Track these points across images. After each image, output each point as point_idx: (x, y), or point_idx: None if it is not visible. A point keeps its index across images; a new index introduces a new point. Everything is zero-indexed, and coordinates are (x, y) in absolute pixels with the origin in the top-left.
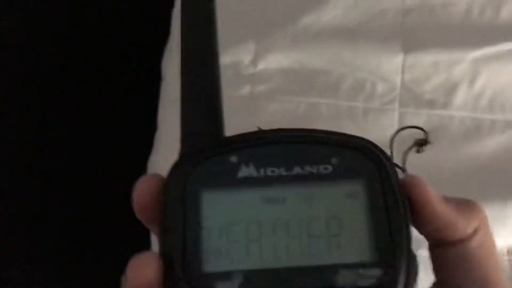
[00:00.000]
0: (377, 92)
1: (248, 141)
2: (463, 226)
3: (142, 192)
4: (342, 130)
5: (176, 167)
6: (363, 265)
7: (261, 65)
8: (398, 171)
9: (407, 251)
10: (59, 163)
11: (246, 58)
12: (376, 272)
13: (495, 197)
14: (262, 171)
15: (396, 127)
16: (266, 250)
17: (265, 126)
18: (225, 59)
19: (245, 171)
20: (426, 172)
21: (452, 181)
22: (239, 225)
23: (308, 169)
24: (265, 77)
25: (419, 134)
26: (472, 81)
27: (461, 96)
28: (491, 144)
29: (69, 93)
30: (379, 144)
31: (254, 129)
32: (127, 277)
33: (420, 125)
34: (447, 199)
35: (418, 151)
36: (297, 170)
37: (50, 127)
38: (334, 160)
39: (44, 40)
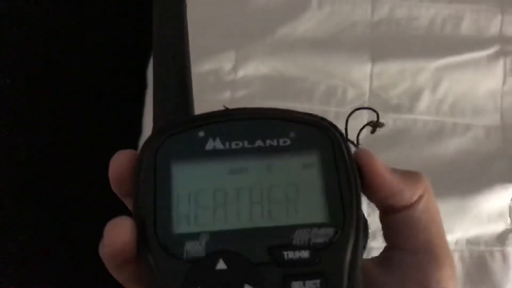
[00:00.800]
0: (348, 98)
1: (215, 117)
2: (408, 193)
3: (117, 165)
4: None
5: (148, 141)
6: (317, 225)
7: (241, 72)
8: (352, 146)
9: (357, 214)
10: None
11: (227, 65)
12: (328, 231)
13: (455, 193)
14: (227, 144)
15: (364, 131)
16: (230, 214)
17: None
18: (208, 66)
19: (212, 144)
20: None
21: None
22: (206, 192)
23: (268, 142)
24: (245, 83)
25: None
26: (435, 88)
27: (424, 102)
28: (452, 145)
29: (54, 98)
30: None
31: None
32: (104, 240)
33: (387, 128)
34: (394, 170)
35: (372, 132)
36: (258, 143)
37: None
38: (292, 134)
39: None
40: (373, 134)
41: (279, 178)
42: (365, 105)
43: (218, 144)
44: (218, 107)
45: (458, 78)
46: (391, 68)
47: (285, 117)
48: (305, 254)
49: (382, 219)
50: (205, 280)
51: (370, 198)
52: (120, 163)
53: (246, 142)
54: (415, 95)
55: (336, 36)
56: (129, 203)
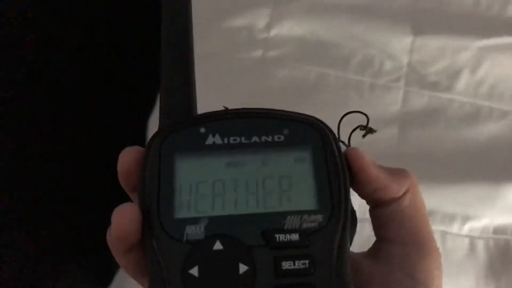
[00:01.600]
0: (384, 69)
1: (215, 116)
2: (394, 188)
3: (125, 161)
4: (349, 103)
5: (154, 137)
6: (307, 212)
7: (274, 31)
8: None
9: (345, 204)
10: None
11: (261, 22)
12: (318, 217)
13: (486, 179)
14: (226, 140)
15: (400, 104)
16: (227, 202)
17: (275, 91)
18: (241, 21)
19: (212, 140)
20: (424, 149)
21: (448, 160)
22: (205, 183)
23: (264, 138)
24: (278, 43)
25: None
26: (475, 69)
27: (463, 82)
28: (487, 130)
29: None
30: (381, 118)
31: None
32: (111, 224)
33: (422, 105)
34: (381, 167)
35: (364, 136)
36: (255, 138)
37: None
38: (286, 131)
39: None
40: (408, 112)
41: (273, 171)
42: (402, 80)
43: (217, 139)
44: (250, 65)
45: (499, 61)
46: (432, 43)
47: (280, 116)
48: (295, 237)
49: (371, 213)
50: (203, 260)
51: (360, 193)
52: (127, 158)
53: (243, 138)
54: (454, 74)
55: (378, 4)
56: (135, 198)
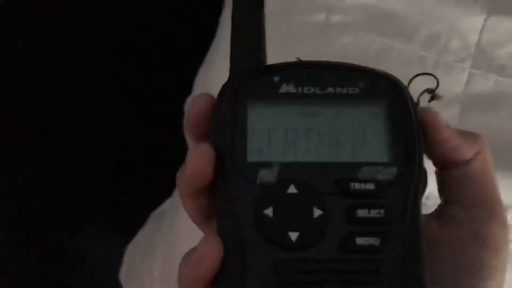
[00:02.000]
0: (451, 47)
1: (289, 65)
2: (466, 149)
3: (196, 106)
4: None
5: (228, 83)
6: (382, 164)
7: None
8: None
9: (419, 160)
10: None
11: None
12: (392, 170)
13: None
14: (300, 89)
15: (463, 85)
16: (300, 150)
17: (334, 59)
18: None
19: (285, 88)
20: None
21: (508, 149)
22: (278, 130)
23: (339, 89)
24: (342, 9)
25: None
26: None
27: None
28: None
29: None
30: (445, 97)
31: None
32: (186, 162)
33: (487, 89)
34: (454, 128)
35: (429, 101)
36: (329, 90)
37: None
38: (361, 84)
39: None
40: (471, 94)
41: (347, 123)
42: (468, 60)
43: (291, 88)
44: (310, 29)
45: None
46: (505, 25)
47: (355, 68)
48: (371, 186)
49: (439, 175)
50: (277, 201)
51: (430, 154)
52: (199, 104)
53: (318, 88)
54: None
55: None
56: (200, 142)
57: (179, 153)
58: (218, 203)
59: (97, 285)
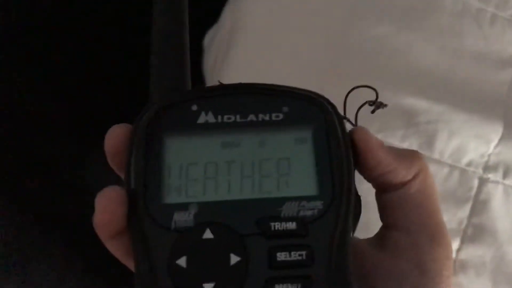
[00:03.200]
0: (510, 2)
1: (208, 92)
2: (403, 171)
3: (112, 139)
4: (464, 33)
5: (142, 114)
6: (306, 198)
7: None
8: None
9: (347, 189)
10: None
11: None
12: (317, 204)
13: None
14: (219, 118)
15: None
16: (220, 186)
17: (382, 10)
18: None
19: (204, 118)
20: None
21: None
22: (197, 165)
23: (261, 116)
24: None
25: None
26: None
27: None
28: None
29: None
30: (496, 57)
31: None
32: (95, 209)
33: None
34: (390, 148)
35: (372, 112)
36: (251, 117)
37: None
38: (285, 109)
39: None
40: None
41: (271, 152)
42: None
43: (210, 118)
44: None
45: None
46: None
47: (279, 92)
48: (292, 225)
49: (378, 198)
50: (191, 249)
51: (366, 176)
52: (115, 136)
53: (238, 116)
54: None
55: None
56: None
57: None
58: (133, 248)
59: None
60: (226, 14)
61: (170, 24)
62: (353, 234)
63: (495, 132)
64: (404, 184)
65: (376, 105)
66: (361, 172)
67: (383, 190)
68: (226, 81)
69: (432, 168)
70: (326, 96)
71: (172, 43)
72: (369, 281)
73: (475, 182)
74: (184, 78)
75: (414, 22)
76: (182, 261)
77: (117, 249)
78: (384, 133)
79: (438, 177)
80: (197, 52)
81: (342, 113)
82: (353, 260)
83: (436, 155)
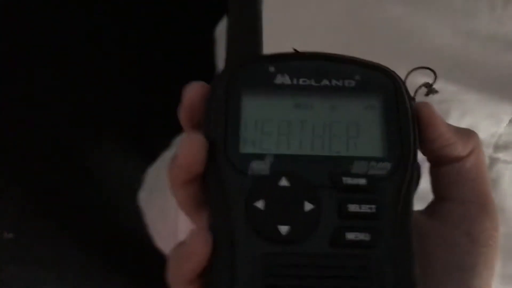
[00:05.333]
0: None
1: (285, 56)
2: (460, 146)
3: (190, 96)
4: (478, 15)
5: (221, 73)
6: (375, 159)
7: None
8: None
9: (414, 154)
10: None
11: None
12: (386, 165)
13: None
14: (295, 80)
15: None
16: (293, 142)
17: None
18: None
19: (280, 79)
20: None
21: None
22: (272, 121)
23: (334, 82)
24: None
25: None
26: None
27: None
28: None
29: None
30: (510, 39)
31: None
32: (178, 152)
33: None
34: (450, 124)
35: (426, 94)
36: (325, 82)
37: None
38: (357, 77)
39: None
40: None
41: (341, 116)
42: None
43: (286, 79)
44: None
45: None
46: None
47: (352, 61)
48: (362, 181)
49: (433, 171)
50: (268, 194)
51: (425, 149)
52: (193, 93)
53: (313, 80)
54: None
55: None
56: (196, 131)
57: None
58: (209, 194)
59: (113, 204)
60: None
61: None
62: (414, 195)
63: (505, 112)
64: (460, 159)
65: (429, 89)
66: (421, 145)
67: (441, 163)
68: None
69: None
70: None
71: (247, 11)
72: (422, 248)
73: (486, 161)
74: (258, 43)
75: (428, 3)
76: (259, 204)
77: (186, 196)
78: None
79: None
80: (209, 42)
81: None
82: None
83: None
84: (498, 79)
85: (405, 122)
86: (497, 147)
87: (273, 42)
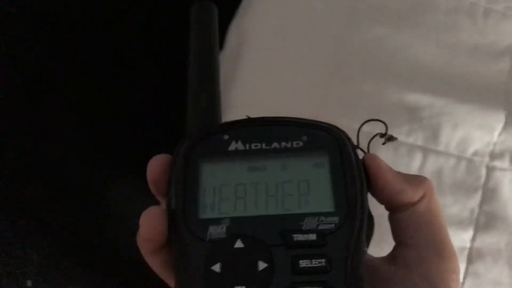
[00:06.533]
0: None
1: (238, 124)
2: (411, 191)
3: (154, 167)
4: (460, 28)
5: (181, 144)
6: (324, 214)
7: None
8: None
9: (360, 206)
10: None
11: None
12: (334, 219)
13: None
14: (247, 146)
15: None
16: (249, 204)
17: (379, 8)
18: None
19: (234, 146)
20: None
21: None
22: (228, 186)
23: (283, 144)
24: None
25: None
26: None
27: None
28: None
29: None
30: (492, 49)
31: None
32: (140, 227)
33: None
34: (398, 172)
35: (384, 143)
36: (275, 144)
37: None
38: (304, 138)
39: None
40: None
41: (292, 175)
42: None
43: (239, 145)
44: None
45: None
46: None
47: (299, 123)
48: (312, 237)
49: (390, 217)
50: (224, 257)
51: (378, 198)
52: (156, 165)
53: (263, 144)
54: None
55: None
56: (164, 203)
57: None
58: (174, 261)
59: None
60: (232, 32)
61: (204, 67)
62: (367, 248)
63: (497, 120)
64: (412, 204)
65: (386, 137)
66: (374, 194)
67: (394, 210)
68: (236, 94)
69: (439, 160)
70: (333, 102)
71: (206, 85)
72: None
73: (483, 171)
74: (217, 112)
75: (410, 21)
76: (216, 267)
77: (158, 264)
78: (390, 130)
79: (446, 169)
80: None
81: (355, 143)
82: (368, 275)
83: (442, 148)
84: (486, 89)
85: (351, 176)
86: (493, 156)
87: (266, 76)
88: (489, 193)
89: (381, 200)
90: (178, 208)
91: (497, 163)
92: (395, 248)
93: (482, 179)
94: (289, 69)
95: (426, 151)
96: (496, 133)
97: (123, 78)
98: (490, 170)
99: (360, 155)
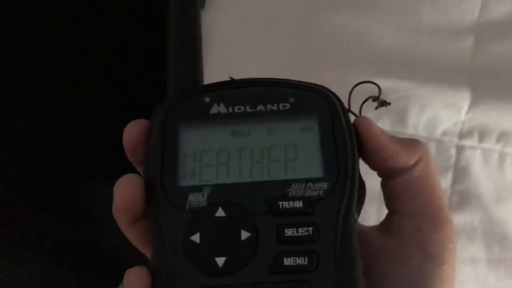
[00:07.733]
0: None
1: (220, 85)
2: (405, 156)
3: (130, 134)
4: (420, 7)
5: (158, 108)
6: (312, 180)
7: None
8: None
9: (351, 172)
10: None
11: None
12: (322, 185)
13: None
14: (230, 109)
15: (477, 12)
16: (232, 171)
17: None
18: None
19: (216, 109)
20: (500, 65)
21: None
22: (210, 152)
23: (269, 106)
24: None
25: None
26: None
27: None
28: None
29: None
30: (455, 27)
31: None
32: (114, 197)
33: (504, 15)
34: (392, 135)
35: (376, 108)
36: (260, 107)
37: None
38: (291, 99)
39: None
40: (487, 22)
41: (278, 140)
42: None
43: (222, 108)
44: None
45: None
46: None
47: (286, 84)
48: (299, 204)
49: (383, 184)
50: (204, 227)
51: (370, 163)
52: (132, 131)
53: (248, 107)
54: None
55: None
56: (142, 171)
57: None
58: (151, 231)
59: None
60: None
61: (185, 30)
62: (358, 217)
63: (464, 99)
64: (406, 170)
65: (379, 102)
66: (366, 160)
67: (388, 176)
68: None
69: None
70: None
71: (187, 45)
72: (375, 267)
73: (453, 151)
74: (197, 75)
75: (370, 6)
76: (196, 237)
77: (135, 236)
78: None
79: None
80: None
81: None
82: (360, 246)
83: (410, 130)
84: (450, 68)
85: (341, 140)
86: (462, 135)
87: (226, 66)
88: (460, 172)
89: (373, 166)
90: (156, 176)
91: (466, 142)
92: (387, 217)
93: (453, 159)
94: (252, 64)
95: (395, 135)
96: (463, 112)
97: (116, 79)
98: (459, 149)
99: (352, 120)
